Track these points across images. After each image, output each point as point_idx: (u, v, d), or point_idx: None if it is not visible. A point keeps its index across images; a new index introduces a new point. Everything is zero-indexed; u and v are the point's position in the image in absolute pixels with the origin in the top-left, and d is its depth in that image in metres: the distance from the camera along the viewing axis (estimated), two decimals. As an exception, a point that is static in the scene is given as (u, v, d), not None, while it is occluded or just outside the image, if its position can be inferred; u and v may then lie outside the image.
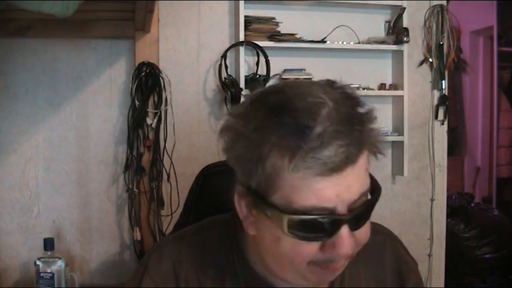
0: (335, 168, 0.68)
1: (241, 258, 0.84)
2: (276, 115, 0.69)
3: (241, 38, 2.30)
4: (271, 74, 2.34)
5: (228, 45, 2.34)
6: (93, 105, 2.27)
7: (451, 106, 4.10)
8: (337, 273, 0.78)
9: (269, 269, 0.81)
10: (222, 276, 0.83)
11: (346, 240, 0.71)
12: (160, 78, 2.23)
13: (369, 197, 0.76)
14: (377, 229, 0.94)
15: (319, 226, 0.70)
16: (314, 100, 0.69)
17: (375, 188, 0.77)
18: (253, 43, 2.31)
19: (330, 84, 0.74)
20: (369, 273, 0.89)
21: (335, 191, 0.69)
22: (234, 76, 2.31)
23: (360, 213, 0.73)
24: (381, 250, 0.92)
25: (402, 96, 2.50)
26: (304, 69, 2.41)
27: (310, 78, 2.38)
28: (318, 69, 2.42)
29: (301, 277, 0.77)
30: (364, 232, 0.76)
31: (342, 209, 0.70)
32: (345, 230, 0.71)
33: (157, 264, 0.85)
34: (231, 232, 0.86)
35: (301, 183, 0.68)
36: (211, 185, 1.14)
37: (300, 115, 0.68)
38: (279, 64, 2.37)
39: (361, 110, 0.72)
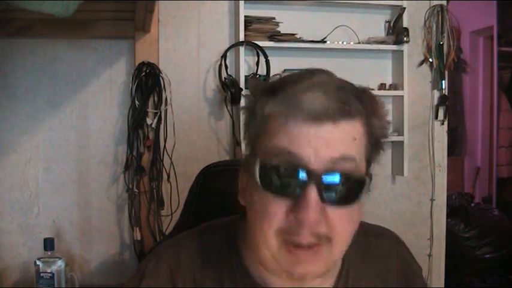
0: (312, 115, 0.68)
1: (240, 264, 0.82)
2: (281, 77, 0.76)
3: (241, 38, 2.30)
4: (271, 74, 2.34)
5: (228, 45, 2.34)
6: (93, 105, 2.27)
7: (451, 106, 4.10)
8: (305, 263, 0.72)
9: (256, 256, 0.78)
10: (221, 281, 0.82)
11: (311, 204, 0.67)
12: (160, 78, 2.23)
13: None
14: (382, 233, 0.94)
15: (286, 175, 0.68)
16: (320, 70, 0.75)
17: (364, 174, 0.73)
18: (253, 43, 2.31)
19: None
20: (374, 277, 0.88)
21: (309, 138, 0.68)
22: (234, 76, 2.31)
23: (336, 180, 0.68)
24: (387, 254, 0.90)
25: (402, 96, 2.50)
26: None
27: (310, 78, 2.38)
28: (318, 69, 2.42)
29: (273, 258, 0.73)
30: (340, 218, 0.70)
31: (315, 164, 0.68)
32: (312, 191, 0.67)
33: (154, 270, 0.84)
34: (231, 237, 0.85)
35: (279, 125, 0.70)
36: (212, 185, 1.14)
37: (299, 74, 0.74)
38: (279, 64, 2.37)
39: (364, 91, 0.74)
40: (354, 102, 0.71)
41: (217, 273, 0.83)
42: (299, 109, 0.69)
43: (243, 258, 0.82)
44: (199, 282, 0.82)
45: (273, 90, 0.73)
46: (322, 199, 0.69)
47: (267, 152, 0.71)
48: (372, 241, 0.90)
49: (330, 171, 0.68)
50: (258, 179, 0.70)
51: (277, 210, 0.70)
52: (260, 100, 0.74)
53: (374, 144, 0.75)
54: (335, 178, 0.69)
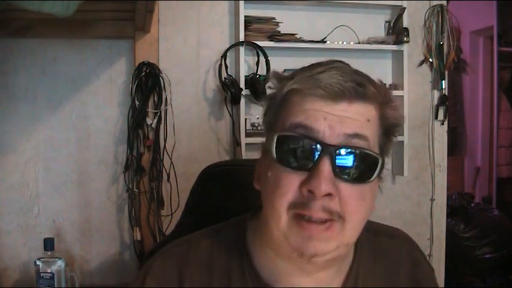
0: (328, 92, 0.71)
1: (249, 264, 0.82)
2: (302, 67, 0.79)
3: (241, 38, 2.30)
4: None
5: (228, 45, 2.34)
6: (93, 105, 2.27)
7: (451, 106, 4.11)
8: (315, 240, 0.71)
9: (265, 240, 0.79)
10: (230, 282, 0.81)
11: (323, 175, 0.68)
12: (160, 78, 2.23)
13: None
14: (394, 233, 0.93)
15: (301, 147, 0.71)
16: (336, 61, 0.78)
17: (378, 154, 0.74)
18: (253, 43, 2.31)
19: None
20: (384, 277, 0.87)
21: (324, 114, 0.71)
22: (234, 76, 2.31)
23: (349, 156, 0.70)
24: (397, 254, 0.89)
25: (402, 96, 2.50)
26: (304, 69, 2.41)
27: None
28: (318, 69, 2.42)
29: (283, 236, 0.73)
30: (351, 196, 0.71)
31: (330, 138, 0.70)
32: (325, 163, 0.69)
33: (162, 267, 0.83)
34: (240, 237, 0.84)
35: (295, 102, 0.73)
36: (213, 185, 1.14)
37: (320, 63, 0.77)
38: (279, 64, 2.37)
39: (379, 84, 0.76)
40: (369, 86, 0.73)
41: (226, 274, 0.82)
42: (315, 87, 0.71)
43: (253, 259, 0.82)
44: (207, 282, 0.82)
45: (292, 76, 0.77)
46: (335, 173, 0.70)
47: (284, 127, 0.73)
48: (383, 241, 0.90)
49: (343, 146, 0.70)
50: (274, 153, 0.72)
51: (291, 183, 0.71)
52: (279, 84, 0.78)
53: (386, 132, 0.77)
54: (348, 153, 0.71)
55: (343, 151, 0.70)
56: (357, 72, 0.75)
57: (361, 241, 0.85)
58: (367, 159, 0.72)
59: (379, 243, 0.88)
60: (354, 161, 0.71)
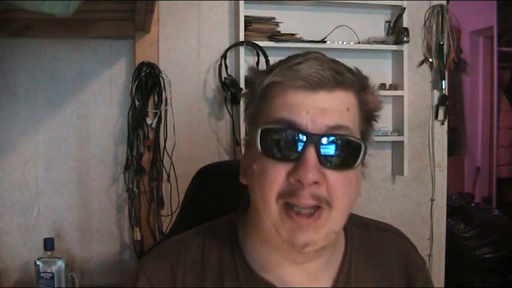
0: (308, 82, 0.72)
1: (242, 260, 0.83)
2: (279, 61, 0.80)
3: (241, 38, 2.30)
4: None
5: (228, 45, 2.34)
6: (93, 105, 2.27)
7: (451, 106, 4.11)
8: (306, 231, 0.73)
9: (256, 232, 0.80)
10: (222, 278, 0.82)
11: (310, 164, 0.70)
12: (160, 78, 2.23)
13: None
14: (384, 227, 0.94)
15: (285, 140, 0.72)
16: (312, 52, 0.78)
17: (360, 139, 0.76)
18: (253, 43, 2.31)
19: None
20: (376, 272, 0.88)
21: (306, 107, 0.73)
22: (234, 76, 2.31)
23: (332, 144, 0.72)
24: (388, 248, 0.91)
25: (402, 96, 2.50)
26: (304, 69, 2.41)
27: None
28: (318, 69, 2.42)
29: (273, 227, 0.75)
30: (339, 182, 0.73)
31: (312, 130, 0.72)
32: (310, 151, 0.71)
33: (154, 266, 0.84)
34: (232, 233, 0.85)
35: (276, 95, 0.75)
36: (208, 185, 1.15)
37: (298, 55, 0.78)
38: (279, 64, 2.37)
39: (356, 71, 0.79)
40: (347, 74, 0.76)
41: (218, 270, 0.83)
42: (295, 78, 0.73)
43: (244, 253, 0.83)
44: (200, 279, 0.83)
45: (271, 69, 0.79)
46: (321, 162, 0.72)
47: (267, 121, 0.75)
48: (373, 234, 0.91)
49: (326, 135, 0.73)
50: (259, 147, 0.74)
51: (278, 174, 0.73)
52: (259, 78, 0.79)
53: (366, 117, 0.79)
54: (331, 142, 0.73)
55: (326, 139, 0.72)
56: (334, 61, 0.77)
57: (352, 234, 0.87)
58: (350, 146, 0.74)
59: (369, 237, 0.90)
60: (337, 148, 0.73)
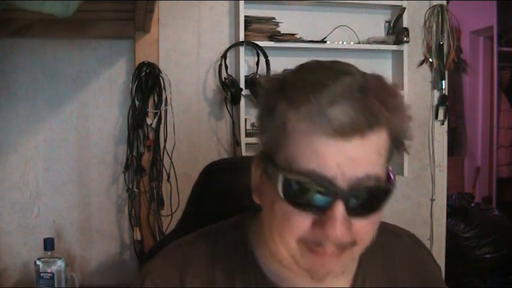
0: (339, 129, 0.65)
1: (253, 263, 0.80)
2: (302, 74, 0.71)
3: (241, 38, 2.30)
4: (271, 74, 2.34)
5: (228, 45, 2.34)
6: (93, 105, 2.27)
7: (451, 106, 4.10)
8: (327, 264, 0.71)
9: (270, 252, 0.77)
10: (232, 282, 0.80)
11: (338, 221, 0.66)
12: (160, 78, 2.23)
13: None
14: (400, 232, 0.93)
15: (313, 194, 0.67)
16: (343, 69, 0.71)
17: (388, 183, 0.72)
18: (253, 43, 2.31)
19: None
20: (390, 276, 0.86)
21: (336, 159, 0.66)
22: (234, 76, 2.31)
23: (362, 196, 0.68)
24: (403, 253, 0.89)
25: (402, 96, 2.49)
26: (304, 69, 2.42)
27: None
28: (318, 69, 2.42)
29: (292, 258, 0.73)
30: (365, 227, 0.70)
31: (342, 183, 0.66)
32: (339, 208, 0.67)
33: (161, 270, 0.82)
34: (242, 236, 0.83)
35: (303, 140, 0.67)
36: (215, 182, 1.14)
37: (323, 76, 0.69)
38: (279, 64, 2.37)
39: (390, 94, 0.70)
40: (382, 111, 0.68)
41: (228, 275, 0.81)
42: (325, 126, 0.65)
43: (257, 258, 0.81)
44: (209, 284, 0.80)
45: (293, 95, 0.69)
46: (348, 213, 0.68)
47: (291, 168, 0.68)
48: (389, 240, 0.89)
49: (355, 188, 0.67)
50: (280, 193, 0.69)
51: (302, 223, 0.69)
52: (278, 102, 0.70)
53: (397, 147, 0.74)
54: (360, 194, 0.68)
55: (355, 194, 0.68)
56: (368, 90, 0.68)
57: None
58: (378, 194, 0.71)
59: (385, 243, 0.87)
60: (366, 199, 0.69)
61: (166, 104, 2.25)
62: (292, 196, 0.68)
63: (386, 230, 0.89)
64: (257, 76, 2.32)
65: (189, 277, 0.80)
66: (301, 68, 0.74)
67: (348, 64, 0.74)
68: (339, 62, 0.74)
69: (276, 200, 0.70)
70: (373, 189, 0.69)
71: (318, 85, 0.67)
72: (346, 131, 0.65)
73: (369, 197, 0.69)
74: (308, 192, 0.67)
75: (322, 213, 0.68)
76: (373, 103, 0.67)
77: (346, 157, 0.66)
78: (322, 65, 0.73)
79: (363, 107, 0.66)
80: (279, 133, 0.70)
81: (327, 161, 0.66)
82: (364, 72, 0.72)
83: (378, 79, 0.71)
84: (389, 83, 0.72)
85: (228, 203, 1.02)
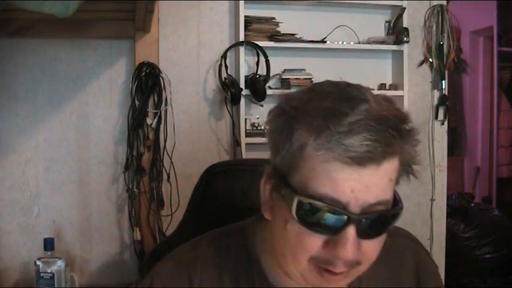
0: (356, 159, 0.67)
1: (258, 269, 0.82)
2: (319, 99, 0.72)
3: (241, 38, 2.30)
4: (271, 74, 2.34)
5: (228, 45, 2.34)
6: (93, 105, 2.27)
7: (451, 106, 4.10)
8: (334, 283, 0.75)
9: (278, 264, 0.80)
10: (239, 286, 0.82)
11: (350, 243, 0.70)
12: (160, 78, 2.23)
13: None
14: (398, 232, 0.94)
15: (326, 217, 0.69)
16: (358, 95, 0.71)
17: (397, 205, 0.75)
18: (253, 43, 2.31)
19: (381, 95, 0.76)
20: (388, 276, 0.88)
21: (351, 185, 0.69)
22: (234, 76, 2.31)
23: (372, 220, 0.71)
24: (401, 253, 0.90)
25: (402, 96, 2.50)
26: (304, 69, 2.42)
27: (310, 78, 2.38)
28: (318, 69, 2.42)
29: (301, 276, 0.76)
30: (372, 247, 0.74)
31: (354, 208, 0.69)
32: (351, 231, 0.70)
33: (170, 272, 0.83)
34: (248, 242, 0.84)
35: (320, 166, 0.69)
36: (217, 184, 1.14)
37: (340, 103, 0.70)
38: (279, 64, 2.37)
39: (403, 122, 0.73)
40: (396, 139, 0.71)
41: (234, 280, 0.82)
42: (342, 154, 0.68)
43: (262, 264, 0.83)
44: (217, 286, 0.82)
45: (312, 123, 0.70)
46: (359, 236, 0.71)
47: (306, 191, 0.70)
48: (386, 240, 0.90)
49: (367, 212, 0.70)
50: (295, 215, 0.71)
51: (314, 243, 0.72)
52: (297, 128, 0.71)
53: (406, 172, 0.78)
54: (372, 220, 0.71)
55: (367, 219, 0.71)
56: (383, 121, 0.70)
57: None
58: (388, 217, 0.74)
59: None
60: (376, 222, 0.72)
61: (166, 104, 2.25)
62: (305, 218, 0.71)
63: None
64: (257, 76, 2.32)
65: (197, 280, 0.82)
66: (317, 91, 0.74)
67: (360, 87, 0.75)
68: (352, 85, 0.76)
69: (289, 220, 0.73)
70: (383, 214, 0.72)
71: (336, 113, 0.69)
72: (362, 160, 0.68)
73: (378, 220, 0.72)
74: (322, 216, 0.70)
75: (334, 234, 0.71)
76: (388, 133, 0.69)
77: (361, 184, 0.69)
78: (338, 88, 0.74)
79: (380, 137, 0.68)
80: (295, 156, 0.71)
81: (341, 186, 0.69)
82: (376, 95, 0.74)
83: (390, 104, 0.75)
84: (401, 108, 0.76)
85: (228, 206, 1.02)
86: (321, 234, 0.71)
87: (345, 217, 0.69)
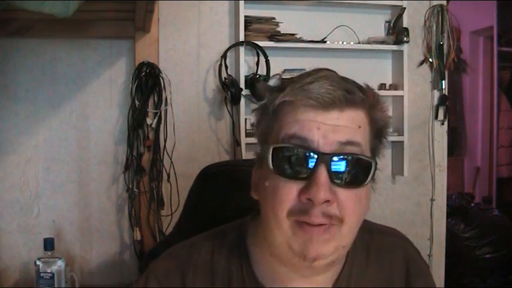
0: (320, 102, 0.73)
1: (249, 270, 0.84)
2: (290, 78, 0.81)
3: (241, 38, 2.30)
4: (271, 74, 2.34)
5: (228, 45, 2.34)
6: (93, 105, 2.27)
7: (451, 106, 4.10)
8: (317, 243, 0.74)
9: (269, 250, 0.81)
10: (230, 283, 0.83)
11: (321, 183, 0.71)
12: (160, 78, 2.23)
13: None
14: (387, 231, 0.95)
15: (297, 158, 0.73)
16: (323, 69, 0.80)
17: (370, 158, 0.77)
18: (253, 43, 2.31)
19: None
20: (377, 275, 0.88)
21: (317, 124, 0.73)
22: (234, 76, 2.31)
23: (343, 162, 0.73)
24: (391, 252, 0.91)
25: (402, 96, 2.50)
26: (304, 69, 2.40)
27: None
28: (318, 69, 2.42)
29: (286, 243, 0.75)
30: (349, 199, 0.74)
31: (324, 147, 0.72)
32: (322, 170, 0.72)
33: (165, 269, 0.85)
34: (242, 242, 0.86)
35: (288, 115, 0.75)
36: (211, 185, 1.14)
37: (305, 73, 0.79)
38: (279, 64, 2.37)
39: (366, 89, 0.79)
40: (358, 92, 0.76)
41: (226, 276, 0.84)
42: (307, 98, 0.73)
43: (252, 261, 0.84)
44: (208, 284, 0.84)
45: (282, 87, 0.78)
46: (332, 180, 0.72)
47: (278, 139, 0.75)
48: (376, 238, 0.91)
49: (337, 154, 0.73)
50: (270, 164, 0.74)
51: (289, 192, 0.73)
52: (270, 96, 0.79)
53: (377, 135, 0.79)
54: (342, 160, 0.73)
55: (337, 158, 0.73)
56: (345, 79, 0.77)
57: (355, 240, 0.86)
58: (361, 164, 0.75)
59: (372, 241, 0.90)
60: (348, 166, 0.74)
61: (166, 104, 2.25)
62: (280, 165, 0.74)
63: (372, 229, 0.92)
64: (257, 76, 2.32)
65: (191, 276, 0.84)
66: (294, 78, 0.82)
67: (331, 70, 0.82)
68: (323, 68, 0.82)
69: (267, 177, 0.76)
70: (355, 158, 0.74)
71: (302, 74, 0.79)
72: (325, 103, 0.73)
73: (351, 165, 0.74)
74: (293, 157, 0.73)
75: (306, 178, 0.73)
76: (350, 85, 0.76)
77: (327, 124, 0.73)
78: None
79: (341, 86, 0.75)
80: (271, 119, 0.78)
81: (307, 125, 0.74)
82: None
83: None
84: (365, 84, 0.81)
85: (224, 206, 1.02)
86: (295, 181, 0.73)
87: (315, 156, 0.72)
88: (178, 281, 0.84)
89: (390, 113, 2.58)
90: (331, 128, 0.73)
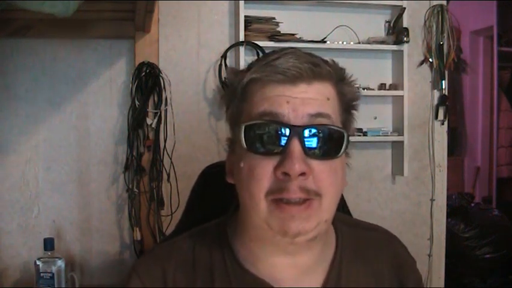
0: (287, 76, 0.74)
1: (232, 258, 0.84)
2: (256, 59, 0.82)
3: (241, 38, 2.30)
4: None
5: (228, 45, 2.34)
6: (93, 105, 2.27)
7: (451, 106, 4.10)
8: (296, 219, 0.73)
9: (247, 229, 0.81)
10: (212, 277, 0.83)
11: (295, 155, 0.71)
12: (160, 78, 2.23)
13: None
14: (373, 227, 0.95)
15: (269, 133, 0.73)
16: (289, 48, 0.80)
17: (341, 128, 0.77)
18: (253, 43, 2.31)
19: None
20: (366, 270, 0.88)
21: (286, 98, 0.74)
22: (234, 76, 2.31)
23: (316, 134, 0.73)
24: (378, 248, 0.91)
25: (402, 96, 2.50)
26: (304, 69, 2.42)
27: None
28: (318, 69, 2.42)
29: (265, 223, 0.75)
30: (325, 171, 0.74)
31: (295, 120, 0.73)
32: (295, 143, 0.72)
33: (146, 267, 0.86)
34: (222, 233, 0.86)
35: (257, 93, 0.76)
36: (213, 184, 1.14)
37: (271, 52, 0.80)
38: (279, 64, 2.37)
39: (332, 63, 0.80)
40: (324, 66, 0.77)
41: (208, 269, 0.84)
42: (274, 73, 0.74)
43: (234, 250, 0.84)
44: (190, 280, 0.84)
45: (249, 67, 0.79)
46: (306, 153, 0.73)
47: (249, 117, 0.76)
48: (363, 233, 0.92)
49: (309, 126, 0.73)
50: (243, 143, 0.75)
51: (264, 169, 0.74)
52: (237, 77, 0.80)
53: (346, 107, 0.80)
54: (314, 131, 0.74)
55: (309, 130, 0.73)
56: (311, 55, 0.78)
57: (342, 233, 0.88)
58: (333, 135, 0.75)
59: (359, 236, 0.91)
60: (321, 138, 0.74)
61: (166, 104, 2.25)
62: (253, 143, 0.74)
63: (359, 225, 0.93)
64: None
65: (171, 273, 0.84)
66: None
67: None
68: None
69: (241, 157, 0.76)
70: (327, 129, 0.75)
71: (268, 53, 0.80)
72: (292, 77, 0.74)
73: (323, 137, 0.74)
74: (265, 134, 0.74)
75: (280, 153, 0.73)
76: (316, 59, 0.77)
77: (295, 98, 0.74)
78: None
79: (308, 60, 0.75)
80: (240, 100, 0.79)
81: (276, 100, 0.74)
82: None
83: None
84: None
85: (225, 206, 1.02)
86: (269, 158, 0.73)
87: (287, 130, 0.72)
88: (160, 277, 0.84)
89: (390, 113, 2.58)
90: (300, 101, 0.74)
